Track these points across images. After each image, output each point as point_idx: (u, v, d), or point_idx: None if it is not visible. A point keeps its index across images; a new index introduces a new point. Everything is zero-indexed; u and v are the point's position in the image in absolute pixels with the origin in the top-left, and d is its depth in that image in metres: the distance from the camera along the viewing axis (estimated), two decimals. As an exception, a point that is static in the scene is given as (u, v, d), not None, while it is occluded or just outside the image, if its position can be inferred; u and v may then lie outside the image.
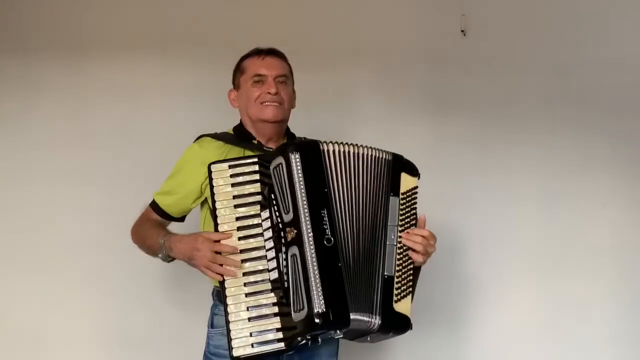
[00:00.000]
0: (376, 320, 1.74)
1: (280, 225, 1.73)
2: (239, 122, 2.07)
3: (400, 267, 1.80)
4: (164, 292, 2.80)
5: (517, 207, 2.98)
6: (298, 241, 1.69)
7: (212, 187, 1.79)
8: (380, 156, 1.87)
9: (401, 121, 2.97)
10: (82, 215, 2.77)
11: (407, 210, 1.86)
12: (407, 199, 1.87)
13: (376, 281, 1.77)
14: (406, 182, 1.88)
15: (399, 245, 1.81)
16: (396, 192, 1.85)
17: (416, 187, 1.90)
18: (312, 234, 1.70)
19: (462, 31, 3.00)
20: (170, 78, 2.87)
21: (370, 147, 1.87)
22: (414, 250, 1.83)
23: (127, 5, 2.86)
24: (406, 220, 1.86)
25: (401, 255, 1.81)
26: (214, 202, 1.78)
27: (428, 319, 2.88)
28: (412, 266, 1.84)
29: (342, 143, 1.83)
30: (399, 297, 1.78)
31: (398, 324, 1.77)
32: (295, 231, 1.70)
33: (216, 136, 2.01)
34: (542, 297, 2.97)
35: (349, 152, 1.82)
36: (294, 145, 1.78)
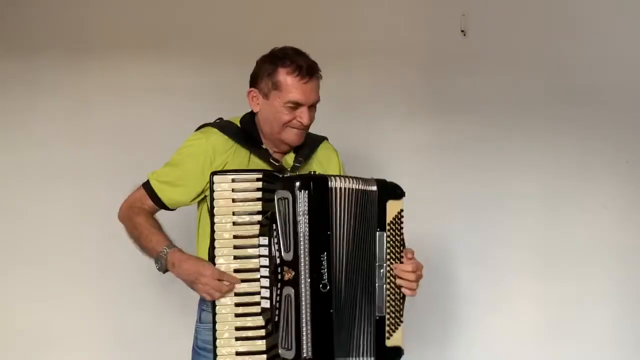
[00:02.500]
0: None
1: (278, 261, 1.70)
2: (249, 112, 1.97)
3: (391, 304, 1.78)
4: (165, 292, 2.80)
5: (517, 208, 2.98)
6: (294, 283, 1.68)
7: (212, 199, 1.74)
8: (366, 188, 1.76)
9: (400, 121, 2.98)
10: (81, 215, 2.77)
11: (394, 239, 1.79)
12: (394, 227, 1.79)
13: (367, 324, 1.76)
14: (392, 209, 1.78)
15: (387, 282, 1.78)
16: (383, 226, 1.76)
17: (402, 210, 1.79)
18: (309, 279, 1.68)
19: (462, 31, 3.00)
20: (171, 79, 2.87)
21: (355, 178, 1.76)
22: (407, 288, 1.78)
23: (127, 6, 2.87)
24: (395, 250, 1.79)
25: (390, 291, 1.78)
26: (212, 215, 1.74)
27: (427, 322, 2.88)
28: (402, 299, 1.81)
29: (346, 177, 1.76)
30: (390, 332, 1.78)
31: (390, 358, 1.80)
32: (292, 273, 1.68)
33: (222, 129, 1.91)
34: (543, 297, 2.97)
35: (350, 188, 1.74)
36: (303, 181, 1.70)
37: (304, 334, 1.68)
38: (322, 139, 2.07)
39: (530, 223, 2.98)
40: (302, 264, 1.68)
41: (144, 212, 1.91)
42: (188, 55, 2.86)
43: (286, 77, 1.84)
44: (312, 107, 1.88)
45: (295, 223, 1.68)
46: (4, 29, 2.80)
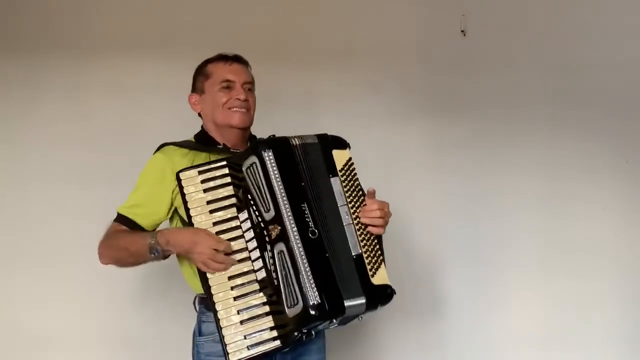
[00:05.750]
0: (362, 301, 1.73)
1: (262, 224, 1.73)
2: (200, 128, 2.04)
3: (365, 242, 1.79)
4: (165, 293, 2.80)
5: (517, 208, 2.98)
6: (283, 237, 1.70)
7: (183, 195, 1.77)
8: (311, 142, 1.83)
9: (400, 122, 2.98)
10: (82, 215, 2.77)
11: (350, 185, 1.83)
12: (347, 174, 1.83)
13: (350, 264, 1.75)
14: (339, 157, 1.84)
15: (355, 222, 1.79)
16: (334, 172, 1.81)
17: (350, 159, 1.85)
18: (296, 228, 1.70)
19: (462, 31, 3.00)
20: (171, 79, 2.85)
21: (301, 136, 1.85)
22: (373, 226, 1.81)
23: (127, 7, 2.87)
24: (354, 195, 1.82)
25: (361, 230, 1.80)
26: (187, 210, 1.77)
27: (427, 322, 2.88)
28: (374, 238, 1.82)
29: (301, 136, 1.83)
30: (373, 270, 1.77)
31: (382, 296, 1.77)
32: (279, 227, 1.70)
33: (179, 144, 1.97)
34: (544, 298, 2.97)
35: (304, 143, 1.81)
36: (265, 143, 1.77)
37: (306, 282, 1.66)
38: None
39: (530, 223, 2.98)
40: (285, 216, 1.71)
41: (121, 231, 1.92)
42: (188, 55, 2.85)
43: (213, 66, 2.01)
44: (247, 88, 1.98)
45: (269, 182, 1.72)
46: (4, 30, 2.80)
